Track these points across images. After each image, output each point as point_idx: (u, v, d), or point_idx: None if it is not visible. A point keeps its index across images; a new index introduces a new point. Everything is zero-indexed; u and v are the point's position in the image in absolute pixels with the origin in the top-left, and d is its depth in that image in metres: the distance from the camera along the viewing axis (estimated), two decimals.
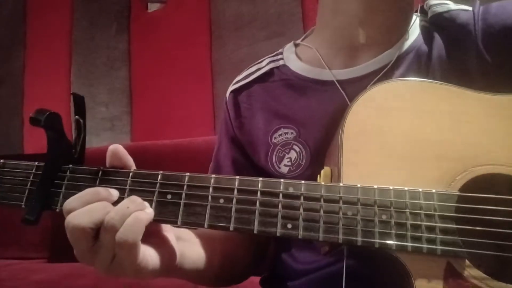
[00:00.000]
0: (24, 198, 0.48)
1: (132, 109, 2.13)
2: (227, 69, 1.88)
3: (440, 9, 0.63)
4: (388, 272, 0.46)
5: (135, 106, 2.13)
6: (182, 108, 1.98)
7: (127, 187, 0.47)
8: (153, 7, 2.15)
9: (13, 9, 2.41)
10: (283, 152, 0.64)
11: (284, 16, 1.79)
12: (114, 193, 0.46)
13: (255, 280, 0.75)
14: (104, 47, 2.20)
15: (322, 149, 0.60)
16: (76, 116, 0.49)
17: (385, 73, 0.62)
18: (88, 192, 0.45)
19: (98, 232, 0.43)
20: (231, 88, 0.75)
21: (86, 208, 0.43)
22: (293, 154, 0.64)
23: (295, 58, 0.70)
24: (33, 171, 0.49)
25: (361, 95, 0.50)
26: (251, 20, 1.87)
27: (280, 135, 0.65)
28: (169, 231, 0.52)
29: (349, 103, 0.60)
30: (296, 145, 0.64)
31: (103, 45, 2.20)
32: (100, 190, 0.45)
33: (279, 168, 0.65)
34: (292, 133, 0.64)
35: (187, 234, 0.58)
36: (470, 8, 0.61)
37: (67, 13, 2.29)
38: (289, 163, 0.64)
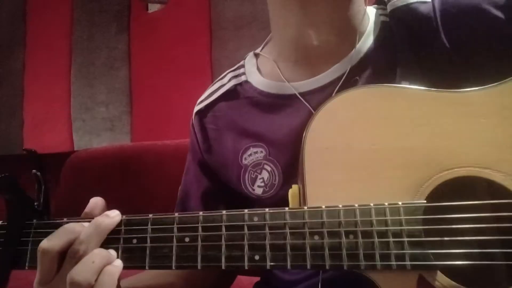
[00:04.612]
0: None
1: (132, 109, 2.13)
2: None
3: (399, 2, 0.61)
4: (366, 285, 0.45)
5: (135, 106, 2.13)
6: (182, 108, 1.97)
7: None
8: (153, 7, 2.15)
9: (13, 9, 2.41)
10: (255, 173, 0.63)
11: None
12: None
13: (255, 280, 0.75)
14: (104, 47, 2.20)
15: (293, 166, 0.58)
16: (33, 170, 0.50)
17: (347, 80, 0.60)
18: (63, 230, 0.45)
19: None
20: (196, 108, 0.72)
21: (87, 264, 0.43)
22: (265, 174, 0.62)
23: (256, 72, 0.68)
24: None
25: (319, 110, 0.49)
26: (251, 20, 1.87)
27: (250, 155, 0.63)
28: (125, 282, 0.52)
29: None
30: (267, 164, 0.62)
31: (103, 45, 2.20)
32: (72, 226, 0.46)
33: (253, 190, 0.63)
34: (261, 151, 0.62)
35: (146, 280, 0.58)
36: (429, 0, 0.59)
37: (67, 13, 2.29)
38: (263, 184, 0.62)
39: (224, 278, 0.74)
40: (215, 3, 1.97)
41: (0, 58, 2.39)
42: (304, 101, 0.61)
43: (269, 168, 0.62)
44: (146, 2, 2.15)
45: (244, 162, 0.63)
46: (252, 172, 0.63)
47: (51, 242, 0.44)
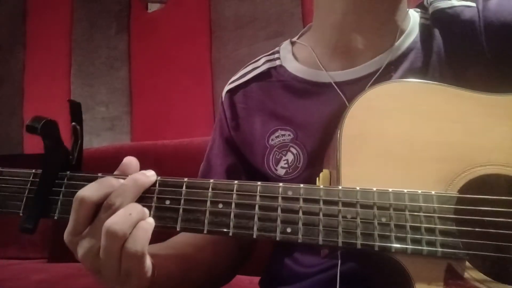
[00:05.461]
0: (22, 206, 0.48)
1: (132, 109, 2.13)
2: (227, 69, 1.88)
3: (443, 4, 0.62)
4: (389, 274, 0.46)
5: (135, 106, 2.13)
6: (182, 108, 1.98)
7: None
8: (153, 7, 2.15)
9: (13, 9, 2.41)
10: (280, 154, 0.64)
11: (284, 16, 1.79)
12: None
13: (254, 279, 0.75)
14: (104, 47, 2.20)
15: (319, 152, 0.60)
16: (73, 123, 0.49)
17: (383, 75, 0.61)
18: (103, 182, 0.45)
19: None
20: (227, 87, 0.74)
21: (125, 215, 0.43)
22: (290, 157, 0.63)
23: (291, 58, 0.69)
24: (31, 178, 0.49)
25: (359, 97, 0.50)
26: (251, 20, 1.87)
27: (277, 136, 0.65)
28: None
29: (348, 105, 0.60)
30: (293, 147, 0.63)
31: (103, 45, 2.20)
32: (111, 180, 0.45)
33: (276, 170, 0.64)
34: (289, 135, 0.64)
35: (162, 250, 0.57)
36: (474, 4, 0.60)
37: (67, 13, 2.30)
38: (286, 165, 0.63)
39: (235, 266, 0.73)
40: (215, 3, 1.97)
41: (0, 58, 2.39)
42: (339, 91, 0.62)
43: (294, 151, 0.63)
44: (146, 1, 2.15)
45: (271, 142, 0.65)
46: (277, 153, 0.64)
47: (90, 192, 0.44)
